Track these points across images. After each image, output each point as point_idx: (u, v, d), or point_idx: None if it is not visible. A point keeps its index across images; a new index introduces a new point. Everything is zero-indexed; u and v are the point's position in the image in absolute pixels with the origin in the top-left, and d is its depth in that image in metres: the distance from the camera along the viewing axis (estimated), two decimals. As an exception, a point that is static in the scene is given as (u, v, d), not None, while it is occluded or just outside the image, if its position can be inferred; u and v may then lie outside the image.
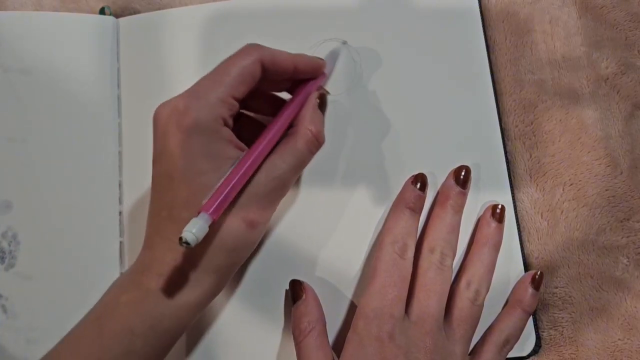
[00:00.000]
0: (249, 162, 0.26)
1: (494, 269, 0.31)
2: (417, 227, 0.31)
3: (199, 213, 0.24)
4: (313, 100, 0.30)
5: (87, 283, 0.33)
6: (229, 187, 0.25)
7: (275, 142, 0.28)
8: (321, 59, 0.32)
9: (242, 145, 0.28)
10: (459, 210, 0.32)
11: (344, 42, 0.35)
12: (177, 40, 0.36)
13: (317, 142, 0.29)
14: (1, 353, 0.33)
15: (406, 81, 0.35)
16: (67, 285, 0.33)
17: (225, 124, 0.27)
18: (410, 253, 0.30)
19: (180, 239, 0.23)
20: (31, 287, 0.33)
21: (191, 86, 0.27)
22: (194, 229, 0.23)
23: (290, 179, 0.28)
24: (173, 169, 0.26)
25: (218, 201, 0.24)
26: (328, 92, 0.34)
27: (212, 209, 0.24)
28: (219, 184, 0.25)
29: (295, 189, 0.34)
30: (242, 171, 0.26)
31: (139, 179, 0.35)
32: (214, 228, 0.25)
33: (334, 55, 0.35)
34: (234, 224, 0.26)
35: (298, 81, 0.31)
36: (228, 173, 0.26)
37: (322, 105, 0.30)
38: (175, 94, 0.35)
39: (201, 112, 0.26)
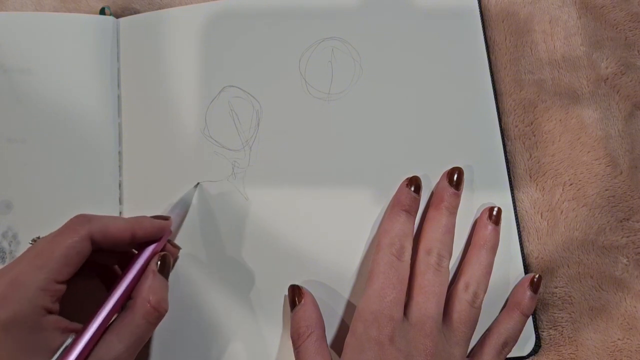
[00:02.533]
0: (75, 352, 0.24)
1: (491, 271, 0.31)
2: (413, 229, 0.31)
3: None
4: (153, 265, 0.28)
5: (87, 283, 0.33)
6: None
7: (110, 319, 0.26)
8: (166, 217, 0.30)
9: (74, 326, 0.25)
10: (453, 211, 0.32)
11: (197, 185, 0.34)
12: (177, 40, 0.36)
13: (157, 313, 0.27)
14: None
15: (405, 81, 0.35)
16: (67, 285, 0.33)
17: (50, 312, 0.25)
18: (408, 255, 0.30)
19: None
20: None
21: (9, 267, 0.25)
22: None
23: (131, 357, 0.26)
24: None
25: None
26: (179, 247, 0.33)
27: None
28: None
29: (291, 192, 0.34)
30: (74, 356, 0.24)
31: (139, 179, 0.35)
32: None
33: (185, 203, 0.33)
34: None
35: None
36: None
37: (163, 268, 0.28)
38: (175, 94, 0.36)
39: (19, 305, 0.23)
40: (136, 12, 0.38)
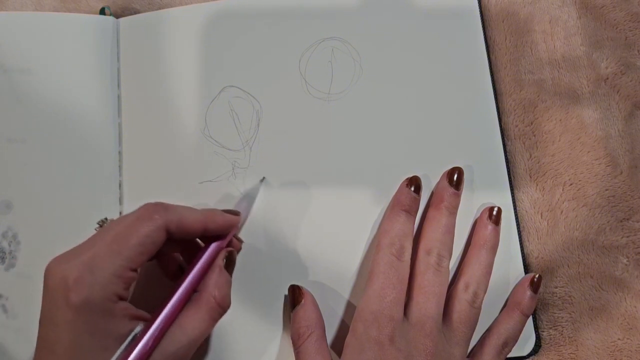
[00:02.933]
0: (143, 341, 0.24)
1: (491, 271, 0.31)
2: (413, 230, 0.31)
3: None
4: (219, 261, 0.28)
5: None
6: None
7: (177, 312, 0.26)
8: (237, 212, 0.30)
9: (140, 313, 0.26)
10: (453, 211, 0.32)
11: (263, 179, 0.34)
12: (177, 40, 0.36)
13: (220, 309, 0.27)
14: (1, 353, 0.33)
15: (405, 81, 0.35)
16: (67, 285, 0.33)
17: (121, 298, 0.25)
18: (407, 255, 0.30)
19: None
20: (31, 287, 0.33)
21: (84, 247, 0.25)
22: None
23: (191, 351, 0.27)
24: (57, 343, 0.24)
25: None
26: (242, 241, 0.33)
27: None
28: None
29: (291, 192, 0.34)
30: (137, 353, 0.24)
31: (139, 179, 0.35)
32: None
33: (251, 197, 0.33)
34: None
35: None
36: (119, 352, 0.24)
37: (229, 265, 0.29)
38: (175, 94, 0.36)
39: (93, 290, 0.24)
40: (136, 12, 0.38)
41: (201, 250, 0.29)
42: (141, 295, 0.29)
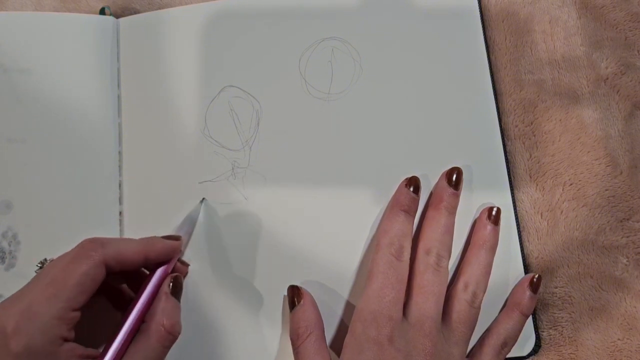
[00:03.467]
0: None
1: (490, 271, 0.31)
2: (412, 230, 0.31)
3: None
4: (165, 287, 0.28)
5: (87, 283, 0.33)
6: None
7: (126, 344, 0.26)
8: (177, 237, 0.30)
9: (88, 352, 0.25)
10: (452, 211, 0.32)
11: (202, 200, 0.34)
12: (177, 40, 0.36)
13: (171, 336, 0.27)
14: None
15: (405, 81, 0.35)
16: (67, 285, 0.33)
17: (65, 339, 0.24)
18: (407, 255, 0.30)
19: None
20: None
21: (21, 295, 0.25)
22: None
23: None
24: None
25: None
26: (187, 264, 0.33)
27: None
28: None
29: (291, 192, 0.34)
30: None
31: (139, 179, 0.35)
32: None
33: (192, 219, 0.33)
34: None
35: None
36: None
37: (175, 290, 0.28)
38: (175, 94, 0.36)
39: (33, 337, 0.23)
40: (136, 12, 0.38)
41: (146, 280, 0.28)
42: (91, 330, 0.28)
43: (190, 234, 0.33)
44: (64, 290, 0.24)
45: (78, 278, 0.25)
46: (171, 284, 0.28)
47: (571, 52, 0.35)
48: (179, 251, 0.30)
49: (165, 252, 0.29)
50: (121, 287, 0.30)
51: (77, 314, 0.25)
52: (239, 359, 0.32)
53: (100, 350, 0.26)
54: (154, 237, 0.29)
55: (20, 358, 0.23)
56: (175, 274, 0.29)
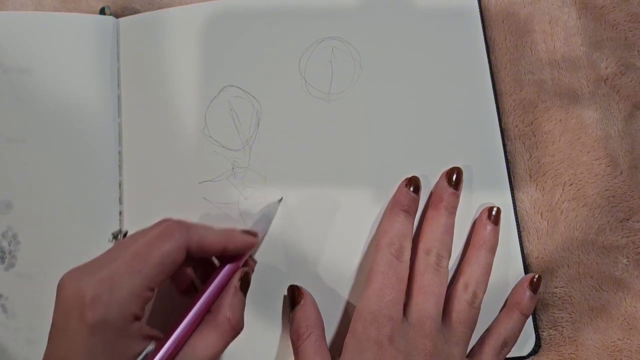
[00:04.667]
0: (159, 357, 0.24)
1: (490, 271, 0.31)
2: (412, 230, 0.31)
3: None
4: (235, 282, 0.28)
5: (87, 283, 0.33)
6: None
7: (190, 332, 0.26)
8: (254, 233, 0.30)
9: (154, 333, 0.26)
10: (452, 211, 0.32)
11: (280, 199, 0.33)
12: (177, 40, 0.36)
13: (234, 331, 0.27)
14: (1, 353, 0.33)
15: (405, 81, 0.35)
16: (67, 285, 0.33)
17: (137, 318, 0.24)
18: (407, 255, 0.30)
19: None
20: (31, 287, 0.33)
21: (103, 262, 0.24)
22: None
23: None
24: (68, 358, 0.23)
25: None
26: (256, 261, 0.32)
27: None
28: None
29: (291, 192, 0.34)
30: None
31: (139, 179, 0.35)
32: None
33: (268, 217, 0.33)
34: None
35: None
36: None
37: (244, 286, 0.28)
38: (175, 94, 0.36)
39: (111, 310, 0.23)
40: (136, 12, 0.38)
41: (217, 270, 0.28)
42: (153, 311, 0.28)
43: (265, 232, 0.32)
44: (146, 267, 0.24)
45: (160, 257, 0.24)
46: (241, 279, 0.28)
47: (571, 52, 0.35)
48: (254, 247, 0.30)
49: (243, 246, 0.29)
50: (187, 271, 0.29)
51: (152, 293, 0.25)
52: (238, 359, 0.32)
53: (164, 334, 0.26)
54: (234, 230, 0.29)
55: (94, 328, 0.23)
56: (246, 269, 0.29)
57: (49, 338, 0.24)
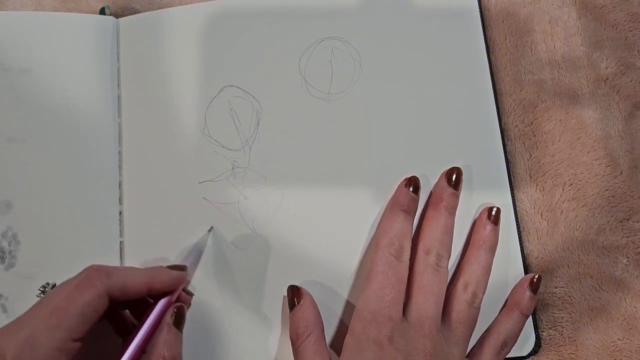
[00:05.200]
0: None
1: (490, 271, 0.31)
2: (412, 230, 0.31)
3: None
4: (168, 318, 0.27)
5: (87, 283, 0.33)
6: None
7: None
8: (183, 267, 0.30)
9: None
10: (452, 211, 0.32)
11: (210, 229, 0.33)
12: (177, 40, 0.36)
13: None
14: (1, 353, 0.33)
15: (405, 81, 0.35)
16: (67, 285, 0.33)
17: None
18: (406, 255, 0.30)
19: None
20: (31, 287, 0.33)
21: (22, 322, 0.24)
22: None
23: None
24: None
25: None
26: (192, 294, 0.32)
27: None
28: None
29: (291, 192, 0.34)
30: None
31: (139, 179, 0.35)
32: None
33: (199, 249, 0.33)
34: None
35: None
36: None
37: (178, 321, 0.28)
38: (175, 94, 0.36)
39: None
40: (136, 12, 0.38)
41: (149, 309, 0.28)
42: (92, 354, 0.27)
43: (196, 264, 0.32)
44: (66, 320, 0.24)
45: (81, 308, 0.24)
46: (174, 315, 0.28)
47: (571, 52, 0.35)
48: (184, 282, 0.30)
49: (170, 283, 0.29)
50: (123, 313, 0.30)
51: (78, 344, 0.25)
52: (238, 359, 0.32)
53: None
54: (160, 267, 0.29)
55: None
56: (178, 304, 0.29)
57: None
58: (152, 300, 0.29)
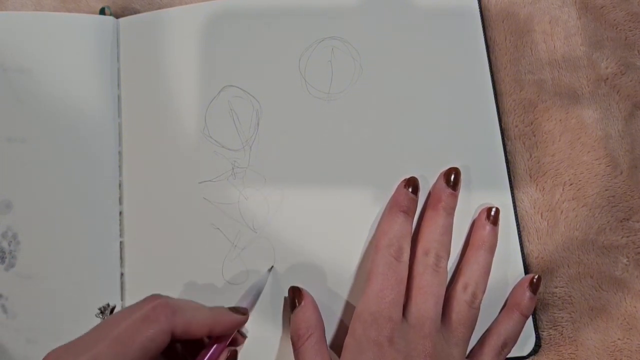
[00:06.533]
0: None
1: (489, 271, 0.31)
2: (411, 230, 0.31)
3: None
4: None
5: (87, 283, 0.33)
6: None
7: None
8: (244, 311, 0.30)
9: None
10: (451, 212, 0.32)
11: (271, 268, 0.33)
12: (177, 40, 0.36)
13: None
14: (1, 353, 0.33)
15: (405, 81, 0.35)
16: (67, 285, 0.33)
17: None
18: (406, 256, 0.30)
19: None
20: (31, 287, 0.33)
21: (88, 339, 0.25)
22: None
23: None
24: None
25: None
26: (245, 336, 0.32)
27: None
28: None
29: (290, 192, 0.34)
30: None
31: (139, 179, 0.35)
32: None
33: (258, 289, 0.32)
34: None
35: None
36: None
37: None
38: (175, 94, 0.36)
39: None
40: (136, 12, 0.38)
41: (204, 350, 0.28)
42: None
43: (254, 304, 0.32)
44: (130, 352, 0.24)
45: (144, 342, 0.24)
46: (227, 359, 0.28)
47: (571, 52, 0.35)
48: (242, 326, 0.30)
49: (231, 326, 0.28)
50: (176, 347, 0.29)
51: None
52: None
53: None
54: (223, 310, 0.29)
55: None
56: (232, 349, 0.28)
57: None
58: (206, 341, 0.29)
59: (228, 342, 0.29)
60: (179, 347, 0.30)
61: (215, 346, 0.28)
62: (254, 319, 0.32)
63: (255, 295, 0.32)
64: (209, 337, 0.28)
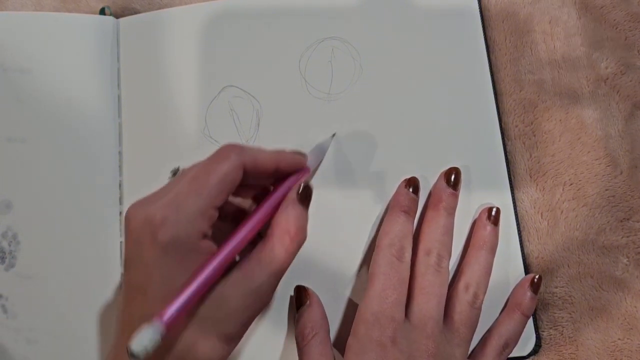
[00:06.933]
0: (209, 269, 0.24)
1: (490, 271, 0.31)
2: (413, 230, 0.31)
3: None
4: (293, 194, 0.27)
5: (87, 283, 0.33)
6: (185, 295, 0.23)
7: (245, 244, 0.26)
8: (303, 153, 0.30)
9: None
10: (452, 212, 0.32)
11: (334, 135, 0.33)
12: (177, 40, 0.36)
13: (296, 244, 0.26)
14: (1, 353, 0.33)
15: (405, 81, 0.35)
16: (67, 285, 0.33)
17: (205, 236, 0.25)
18: (408, 256, 0.30)
19: (128, 350, 0.21)
20: (31, 287, 0.33)
21: (166, 189, 0.26)
22: (144, 340, 0.21)
23: (269, 290, 0.26)
24: (147, 283, 0.24)
25: (172, 309, 0.22)
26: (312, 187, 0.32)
27: (165, 318, 0.22)
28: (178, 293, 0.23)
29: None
30: (202, 279, 0.24)
31: (139, 179, 0.35)
32: (188, 345, 0.24)
33: (322, 149, 0.32)
34: (208, 341, 0.24)
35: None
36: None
37: (304, 198, 0.27)
38: (175, 94, 0.36)
39: (180, 228, 0.24)
40: (136, 12, 0.38)
41: (274, 188, 0.28)
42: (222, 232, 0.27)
43: (319, 162, 0.32)
44: (207, 187, 0.25)
45: (219, 177, 0.25)
46: (300, 190, 0.27)
47: (571, 52, 0.35)
48: (306, 167, 0.30)
49: (295, 163, 0.28)
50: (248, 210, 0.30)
51: (216, 213, 0.25)
52: (242, 358, 0.32)
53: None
54: (284, 150, 0.29)
55: (167, 248, 0.23)
56: (306, 179, 0.29)
57: (124, 271, 0.26)
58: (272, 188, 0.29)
59: (299, 180, 0.29)
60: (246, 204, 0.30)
61: (288, 179, 0.28)
62: (258, 318, 0.32)
63: (319, 153, 0.32)
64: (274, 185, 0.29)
